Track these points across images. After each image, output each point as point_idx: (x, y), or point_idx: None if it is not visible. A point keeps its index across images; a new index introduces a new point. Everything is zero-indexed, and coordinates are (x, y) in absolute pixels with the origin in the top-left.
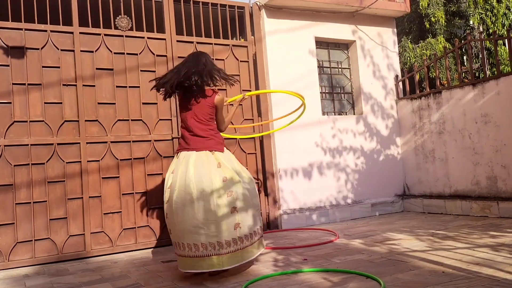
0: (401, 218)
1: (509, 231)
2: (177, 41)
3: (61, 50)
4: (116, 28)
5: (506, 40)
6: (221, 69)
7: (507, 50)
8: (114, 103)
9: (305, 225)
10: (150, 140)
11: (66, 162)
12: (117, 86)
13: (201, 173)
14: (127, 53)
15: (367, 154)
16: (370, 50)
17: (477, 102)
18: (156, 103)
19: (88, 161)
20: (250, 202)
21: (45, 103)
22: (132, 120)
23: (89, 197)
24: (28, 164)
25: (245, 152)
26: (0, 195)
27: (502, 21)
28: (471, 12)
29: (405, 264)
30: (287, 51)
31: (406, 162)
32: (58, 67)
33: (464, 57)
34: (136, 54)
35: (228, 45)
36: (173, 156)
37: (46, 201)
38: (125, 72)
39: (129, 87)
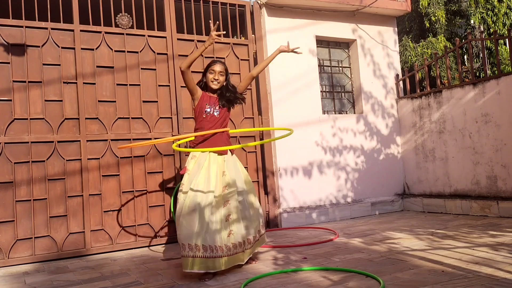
0: (400, 217)
1: (509, 230)
2: (178, 39)
3: (62, 47)
4: (116, 26)
5: (507, 39)
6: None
7: (508, 50)
8: (115, 101)
9: (305, 224)
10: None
11: (66, 160)
12: (117, 84)
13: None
14: (128, 51)
15: (367, 153)
16: (370, 49)
17: (477, 101)
18: (156, 101)
19: (88, 158)
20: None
21: (45, 100)
22: (132, 118)
23: (89, 194)
24: (28, 162)
25: (245, 151)
26: (0, 193)
27: (503, 21)
28: (472, 11)
29: (405, 263)
30: None
31: (406, 161)
32: (59, 65)
33: (465, 57)
34: (137, 52)
35: (228, 43)
36: (173, 155)
37: (46, 198)
38: (126, 70)
39: (130, 85)
